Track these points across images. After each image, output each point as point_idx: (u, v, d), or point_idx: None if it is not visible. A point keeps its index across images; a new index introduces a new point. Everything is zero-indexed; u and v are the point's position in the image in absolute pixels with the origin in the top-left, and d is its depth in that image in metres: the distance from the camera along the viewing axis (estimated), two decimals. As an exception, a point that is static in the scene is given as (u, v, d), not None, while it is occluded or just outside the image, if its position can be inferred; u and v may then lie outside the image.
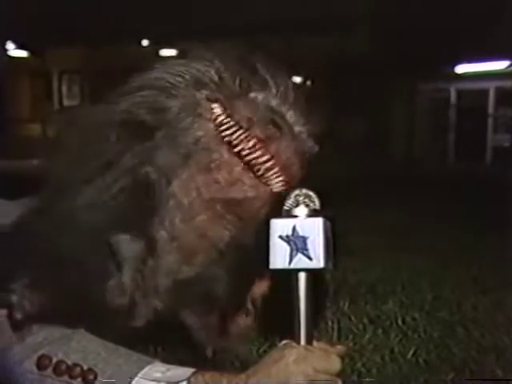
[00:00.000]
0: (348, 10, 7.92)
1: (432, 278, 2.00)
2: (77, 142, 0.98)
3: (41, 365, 0.86)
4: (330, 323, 1.46)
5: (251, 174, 0.93)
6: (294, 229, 0.80)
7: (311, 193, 0.87)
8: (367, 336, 1.39)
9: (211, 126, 0.92)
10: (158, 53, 11.20)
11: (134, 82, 0.98)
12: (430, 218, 3.46)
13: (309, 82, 11.06)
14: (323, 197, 0.88)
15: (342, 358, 0.91)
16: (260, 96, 0.95)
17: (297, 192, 0.86)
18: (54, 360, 0.86)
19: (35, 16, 8.20)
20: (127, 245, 0.88)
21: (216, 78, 0.96)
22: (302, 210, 0.83)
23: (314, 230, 0.80)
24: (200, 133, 0.92)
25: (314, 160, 1.03)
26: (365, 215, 3.49)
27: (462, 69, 9.56)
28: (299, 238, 0.80)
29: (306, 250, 0.79)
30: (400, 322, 1.51)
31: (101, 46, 9.95)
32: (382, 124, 9.64)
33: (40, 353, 0.86)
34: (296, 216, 0.82)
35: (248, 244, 0.95)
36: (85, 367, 0.84)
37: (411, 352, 1.30)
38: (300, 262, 0.80)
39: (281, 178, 0.94)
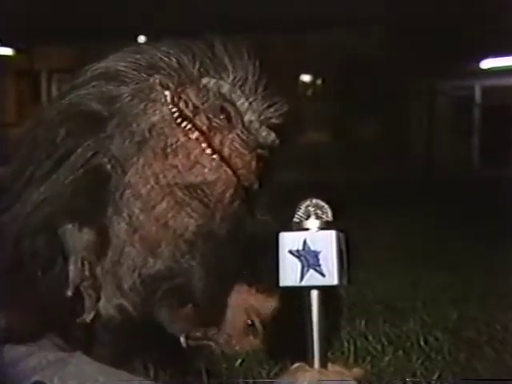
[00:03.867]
0: (362, 5, 7.96)
1: (456, 294, 1.99)
2: (28, 142, 1.03)
3: None
4: (345, 344, 1.45)
5: (211, 156, 0.96)
6: (304, 243, 0.80)
7: (323, 203, 0.86)
8: (386, 358, 1.39)
9: (166, 109, 0.96)
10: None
11: (83, 74, 1.02)
12: (453, 228, 3.45)
13: (319, 81, 11.11)
14: (337, 206, 0.88)
15: (359, 382, 0.91)
16: (212, 82, 0.99)
17: (307, 203, 0.86)
18: None
19: (22, 11, 8.26)
20: (73, 234, 0.92)
21: (172, 62, 1.00)
22: (313, 223, 0.83)
23: (326, 243, 0.80)
24: (154, 118, 0.95)
25: (326, 165, 1.03)
26: (381, 225, 3.48)
27: (487, 64, 9.54)
28: (311, 253, 0.80)
29: (319, 265, 0.79)
30: (422, 342, 1.50)
31: (93, 42, 10.02)
32: (400, 126, 9.63)
33: (34, 379, 0.87)
34: (307, 229, 0.82)
35: (220, 233, 0.97)
36: None
37: (436, 375, 1.29)
38: (312, 278, 0.79)
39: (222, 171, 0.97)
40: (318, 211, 0.85)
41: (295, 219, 0.85)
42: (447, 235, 3.25)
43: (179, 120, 0.96)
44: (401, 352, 1.42)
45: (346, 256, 0.83)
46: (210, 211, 0.97)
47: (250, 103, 0.99)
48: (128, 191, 0.94)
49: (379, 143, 8.94)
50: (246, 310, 1.29)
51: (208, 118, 0.96)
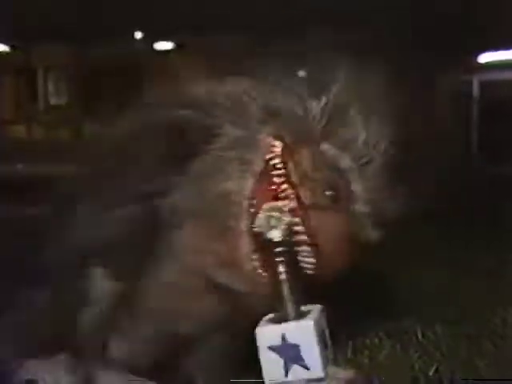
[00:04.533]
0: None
1: (456, 289, 1.99)
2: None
3: None
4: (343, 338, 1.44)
5: (258, 267, 0.82)
6: (283, 338, 0.77)
7: (280, 204, 0.81)
8: (384, 352, 1.38)
9: (249, 183, 0.81)
10: (152, 47, 11.27)
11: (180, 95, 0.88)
12: (453, 225, 3.44)
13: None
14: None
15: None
16: (333, 150, 0.82)
17: (266, 209, 0.81)
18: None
19: (18, 8, 8.25)
20: (101, 283, 0.86)
21: (296, 111, 0.83)
22: (275, 233, 0.79)
23: (305, 336, 0.76)
24: (232, 186, 0.81)
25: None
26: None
27: (486, 58, 9.53)
28: (291, 348, 0.77)
29: (301, 359, 0.76)
30: (420, 336, 1.50)
31: (90, 39, 10.00)
32: (395, 122, 9.60)
33: (25, 378, 0.86)
34: (283, 321, 0.78)
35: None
36: None
37: (433, 369, 1.29)
38: (297, 373, 0.76)
39: (312, 260, 0.82)
40: (279, 219, 0.80)
41: (256, 228, 0.80)
42: (447, 231, 3.24)
43: (280, 180, 0.79)
44: (398, 346, 1.42)
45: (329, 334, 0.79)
46: (231, 314, 0.88)
47: (366, 190, 0.82)
48: (170, 251, 0.84)
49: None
50: None
51: (315, 194, 0.80)
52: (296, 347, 0.75)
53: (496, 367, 1.32)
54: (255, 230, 0.79)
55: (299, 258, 0.81)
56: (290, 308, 0.77)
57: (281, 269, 0.78)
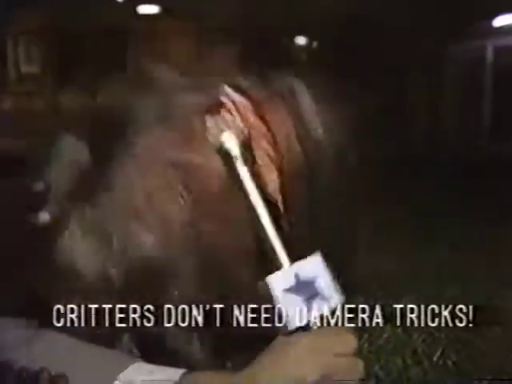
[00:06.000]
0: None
1: (459, 270, 2.01)
2: None
3: None
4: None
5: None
6: (296, 277, 0.83)
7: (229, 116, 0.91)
8: (385, 335, 1.40)
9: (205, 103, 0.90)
10: (135, 10, 11.18)
11: None
12: (459, 207, 3.47)
13: (315, 44, 10.98)
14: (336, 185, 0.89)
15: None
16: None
17: (211, 123, 0.90)
18: (16, 367, 0.86)
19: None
20: (70, 145, 0.94)
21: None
22: (228, 136, 0.87)
23: (317, 269, 0.83)
24: (190, 101, 0.93)
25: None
26: (384, 200, 3.48)
27: (500, 21, 9.50)
28: (307, 284, 0.83)
29: (319, 292, 0.82)
30: (422, 319, 1.51)
31: (65, 1, 9.91)
32: (403, 93, 9.63)
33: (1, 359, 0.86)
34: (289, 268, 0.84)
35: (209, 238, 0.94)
36: (53, 372, 0.84)
37: (438, 353, 1.30)
38: (318, 308, 0.82)
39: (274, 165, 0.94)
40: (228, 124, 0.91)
41: (210, 139, 0.89)
42: (453, 213, 3.27)
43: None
44: (400, 329, 1.43)
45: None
46: (201, 210, 0.92)
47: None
48: (135, 150, 0.91)
49: (382, 114, 8.93)
50: None
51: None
52: (311, 282, 0.80)
53: (504, 350, 1.34)
54: (209, 139, 0.86)
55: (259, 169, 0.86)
56: (283, 255, 0.84)
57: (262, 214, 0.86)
